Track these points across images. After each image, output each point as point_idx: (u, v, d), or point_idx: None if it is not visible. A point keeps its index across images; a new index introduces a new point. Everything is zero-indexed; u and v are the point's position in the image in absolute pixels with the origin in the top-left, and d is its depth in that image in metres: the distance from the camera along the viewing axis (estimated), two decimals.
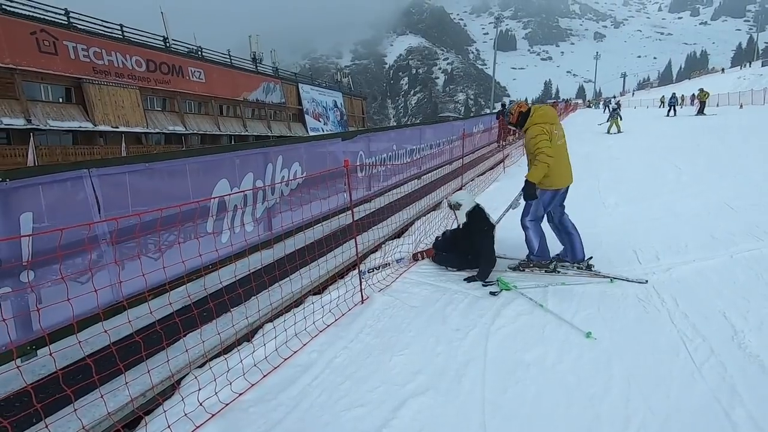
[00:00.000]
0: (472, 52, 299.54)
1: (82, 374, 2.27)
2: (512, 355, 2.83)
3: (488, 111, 36.58)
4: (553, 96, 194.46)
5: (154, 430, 2.18)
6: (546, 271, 4.16)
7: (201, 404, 2.33)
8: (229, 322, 2.98)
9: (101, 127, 23.21)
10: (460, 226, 4.32)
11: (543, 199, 4.08)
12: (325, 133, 35.37)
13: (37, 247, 2.60)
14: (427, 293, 3.83)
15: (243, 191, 4.09)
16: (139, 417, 2.29)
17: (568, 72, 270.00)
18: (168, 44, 28.51)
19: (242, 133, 32.56)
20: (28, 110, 20.27)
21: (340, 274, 4.22)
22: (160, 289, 2.59)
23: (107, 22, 24.89)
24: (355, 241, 3.73)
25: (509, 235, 4.74)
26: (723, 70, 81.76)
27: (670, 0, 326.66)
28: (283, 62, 45.59)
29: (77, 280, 2.72)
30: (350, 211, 3.74)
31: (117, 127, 23.90)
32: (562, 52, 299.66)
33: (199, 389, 2.37)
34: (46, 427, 1.93)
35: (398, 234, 5.52)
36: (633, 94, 79.52)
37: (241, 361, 2.67)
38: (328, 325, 3.26)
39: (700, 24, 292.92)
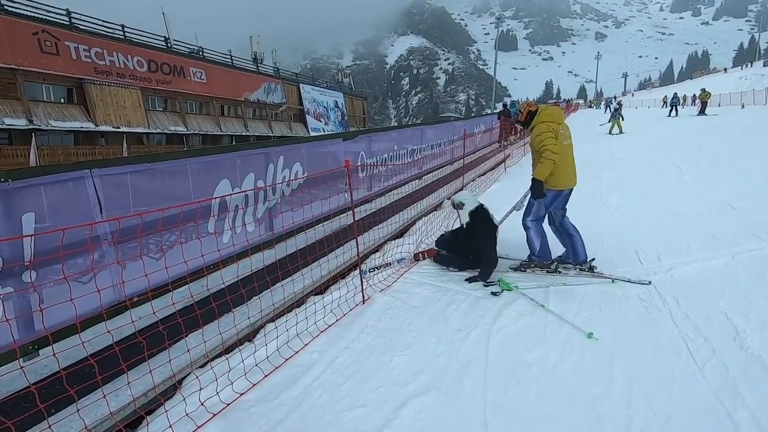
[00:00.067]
0: (473, 53, 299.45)
1: (85, 374, 2.27)
2: (514, 355, 2.83)
3: (489, 111, 36.56)
4: (554, 96, 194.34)
5: (156, 430, 2.18)
6: (547, 272, 4.15)
7: (202, 404, 2.33)
8: (231, 321, 2.98)
9: (103, 128, 23.27)
10: (463, 226, 4.32)
11: (545, 199, 4.07)
12: (326, 133, 35.37)
13: (39, 247, 2.61)
14: (429, 293, 3.83)
15: (244, 191, 4.10)
16: (141, 417, 2.30)
17: (569, 72, 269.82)
18: (169, 45, 28.56)
19: (243, 134, 32.60)
20: (30, 110, 20.33)
21: (342, 275, 4.23)
22: (162, 289, 2.59)
23: (109, 22, 24.97)
24: (356, 242, 3.74)
25: (511, 236, 4.74)
26: (725, 69, 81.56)
27: (671, 0, 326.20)
28: (284, 62, 45.62)
29: (79, 280, 2.72)
30: (351, 211, 3.74)
31: (118, 128, 23.96)
32: (564, 52, 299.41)
33: (201, 389, 2.38)
34: (49, 427, 1.94)
35: (399, 234, 5.52)
36: (633, 94, 79.03)
37: (242, 361, 2.67)
38: (330, 325, 3.26)
39: (701, 24, 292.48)
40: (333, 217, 5.12)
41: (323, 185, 4.98)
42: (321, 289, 3.93)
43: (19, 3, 20.73)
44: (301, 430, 2.25)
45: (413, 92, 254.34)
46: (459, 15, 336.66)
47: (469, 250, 4.27)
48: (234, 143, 25.97)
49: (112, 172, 3.04)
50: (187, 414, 2.25)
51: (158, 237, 3.13)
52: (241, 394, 2.49)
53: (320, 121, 41.88)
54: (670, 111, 25.18)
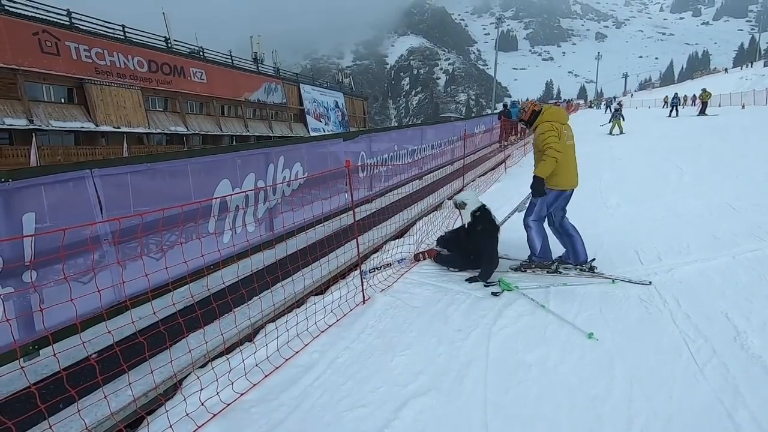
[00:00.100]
0: (474, 53, 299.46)
1: (85, 374, 2.28)
2: (514, 355, 2.83)
3: (489, 111, 36.57)
4: (555, 96, 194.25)
5: (156, 430, 2.18)
6: (548, 272, 4.15)
7: (203, 404, 2.33)
8: (232, 322, 2.98)
9: (103, 128, 23.28)
10: (465, 226, 4.31)
11: (547, 198, 4.07)
12: (327, 133, 35.38)
13: (40, 247, 2.61)
14: (429, 294, 3.83)
15: (245, 191, 4.10)
16: (142, 417, 2.30)
17: (569, 72, 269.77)
18: (170, 45, 28.58)
19: (244, 134, 32.61)
20: (31, 110, 20.35)
21: (342, 275, 4.22)
22: (162, 289, 2.59)
23: (109, 22, 25.00)
24: (357, 242, 3.73)
25: (511, 236, 4.74)
26: (726, 70, 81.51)
27: (671, 0, 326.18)
28: (284, 63, 45.64)
29: (80, 280, 2.72)
30: (352, 212, 3.74)
31: (119, 128, 23.97)
32: (564, 53, 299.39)
33: (201, 389, 2.37)
34: (50, 426, 1.94)
35: (400, 234, 5.52)
36: (632, 95, 78.59)
37: (242, 361, 2.67)
38: (330, 326, 3.26)
39: (701, 24, 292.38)
40: (333, 217, 5.12)
41: (324, 185, 4.98)
42: (321, 290, 3.93)
43: (19, 3, 20.75)
44: (301, 431, 2.25)
45: (413, 92, 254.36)
46: (459, 15, 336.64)
47: (470, 250, 4.27)
48: (234, 143, 25.97)
49: (112, 172, 3.04)
50: (187, 414, 2.25)
51: (158, 237, 3.13)
52: (242, 395, 2.49)
53: (320, 121, 41.89)
54: (671, 111, 25.16)
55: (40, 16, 21.28)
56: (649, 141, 14.40)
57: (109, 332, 2.17)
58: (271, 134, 34.73)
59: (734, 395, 2.33)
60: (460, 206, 4.35)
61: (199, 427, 2.23)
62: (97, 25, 24.11)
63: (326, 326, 3.24)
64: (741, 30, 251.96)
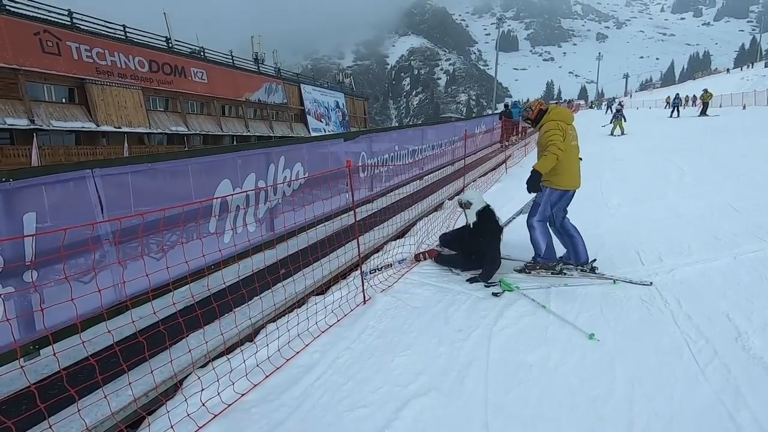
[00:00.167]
0: (474, 53, 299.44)
1: (85, 374, 2.27)
2: (515, 356, 2.83)
3: (490, 112, 36.59)
4: (555, 97, 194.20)
5: (157, 430, 2.18)
6: (552, 273, 4.12)
7: (203, 404, 2.33)
8: (232, 322, 2.98)
9: (104, 128, 23.31)
10: (470, 225, 4.30)
11: (551, 198, 4.06)
12: (328, 133, 35.40)
13: (41, 247, 2.61)
14: (430, 294, 3.83)
15: (245, 191, 4.10)
16: (142, 417, 2.30)
17: (570, 73, 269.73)
18: (170, 45, 28.61)
19: (244, 134, 32.63)
20: (32, 110, 20.37)
21: (343, 275, 4.22)
22: (163, 289, 2.59)
23: (110, 22, 25.03)
24: (357, 242, 3.73)
25: (512, 237, 4.74)
26: (728, 70, 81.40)
27: (672, 1, 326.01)
28: (285, 63, 45.68)
29: (80, 279, 2.72)
30: (352, 212, 3.74)
31: (120, 128, 24.00)
32: (564, 53, 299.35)
33: (202, 389, 2.37)
34: (50, 426, 1.93)
35: (400, 234, 5.51)
36: (631, 96, 78.06)
37: (243, 362, 2.67)
38: (331, 326, 3.25)
39: (702, 25, 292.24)
40: (334, 217, 5.12)
41: (324, 185, 4.98)
42: (322, 290, 3.93)
43: (20, 3, 20.78)
44: (302, 431, 2.25)
45: (414, 93, 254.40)
46: (460, 15, 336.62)
47: (472, 249, 4.26)
48: (235, 143, 25.99)
49: (113, 172, 3.04)
50: (188, 414, 2.25)
51: (159, 237, 3.13)
52: (243, 395, 2.49)
53: (321, 121, 41.91)
54: (672, 112, 25.12)
55: (42, 16, 21.32)
56: (650, 141, 14.39)
57: (109, 332, 2.17)
58: (271, 134, 34.76)
59: (735, 396, 2.33)
60: (465, 206, 4.34)
61: (200, 427, 2.23)
62: (98, 25, 24.14)
63: (327, 326, 3.23)
64: (742, 30, 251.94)
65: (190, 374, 2.59)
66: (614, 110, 18.99)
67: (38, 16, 21.19)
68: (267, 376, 2.65)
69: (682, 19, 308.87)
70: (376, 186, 6.93)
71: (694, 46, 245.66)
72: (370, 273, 4.18)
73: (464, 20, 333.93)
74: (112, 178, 3.04)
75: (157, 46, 27.53)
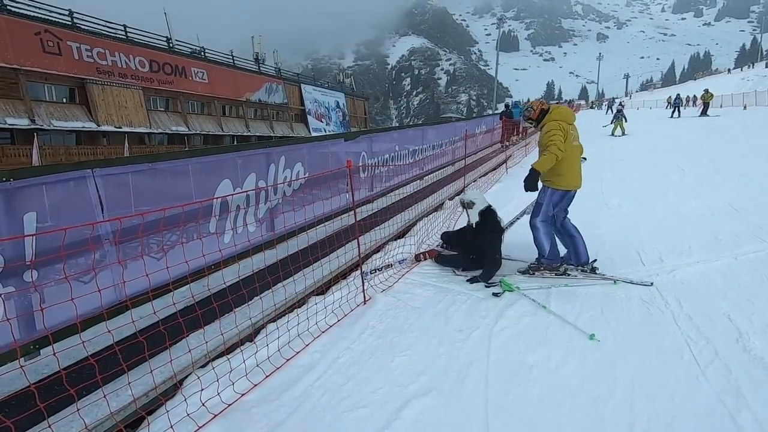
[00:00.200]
0: (475, 53, 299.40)
1: (85, 374, 2.27)
2: (515, 356, 2.82)
3: (491, 112, 36.59)
4: (556, 97, 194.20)
5: (157, 430, 2.18)
6: (556, 275, 4.08)
7: (203, 404, 2.33)
8: (232, 322, 2.98)
9: (104, 128, 23.32)
10: (473, 225, 4.30)
11: (553, 198, 4.04)
12: (328, 133, 35.41)
13: (41, 246, 2.61)
14: (430, 294, 3.82)
15: (246, 191, 4.09)
16: (142, 417, 2.29)
17: (570, 73, 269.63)
18: (171, 45, 28.61)
19: (245, 134, 32.64)
20: (32, 110, 20.38)
21: (343, 275, 4.22)
22: (163, 289, 2.59)
23: (111, 22, 25.04)
24: (358, 242, 3.73)
25: (513, 237, 4.74)
26: (729, 70, 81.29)
27: (673, 1, 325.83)
28: (285, 63, 45.66)
29: (80, 279, 2.72)
30: (353, 212, 3.74)
31: (120, 128, 24.00)
32: (565, 53, 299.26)
33: (202, 389, 2.37)
34: (49, 426, 1.93)
35: (401, 235, 5.51)
36: (630, 97, 77.50)
37: (243, 362, 2.67)
38: (331, 326, 3.25)
39: (703, 25, 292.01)
40: (334, 217, 5.12)
41: (324, 185, 4.98)
42: (322, 290, 3.93)
43: (21, 3, 20.80)
44: (302, 431, 2.25)
45: (414, 93, 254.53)
46: (460, 16, 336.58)
47: (474, 249, 4.26)
48: (235, 143, 25.99)
49: (113, 172, 3.04)
50: (188, 414, 2.24)
51: (159, 237, 3.12)
52: (243, 395, 2.49)
53: (322, 121, 41.91)
54: (673, 112, 25.10)
55: (42, 16, 21.33)
56: (651, 142, 14.38)
57: (109, 332, 2.17)
58: (272, 134, 34.76)
59: (736, 397, 2.33)
60: (468, 206, 4.33)
61: (200, 427, 2.23)
62: (98, 25, 24.15)
63: (327, 326, 3.23)
64: (743, 31, 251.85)
65: (190, 374, 2.59)
66: (615, 111, 18.96)
67: (39, 16, 21.19)
68: (267, 376, 2.65)
69: (683, 19, 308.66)
70: (376, 186, 6.93)
71: (694, 46, 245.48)
72: (371, 273, 4.18)
73: (465, 20, 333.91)
74: (113, 177, 3.04)
75: (157, 46, 27.54)
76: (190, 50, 30.46)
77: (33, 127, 20.01)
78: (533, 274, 4.15)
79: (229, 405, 2.40)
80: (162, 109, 27.69)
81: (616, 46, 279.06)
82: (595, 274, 4.03)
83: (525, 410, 2.33)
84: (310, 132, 38.49)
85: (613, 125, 18.08)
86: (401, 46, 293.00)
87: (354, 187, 3.79)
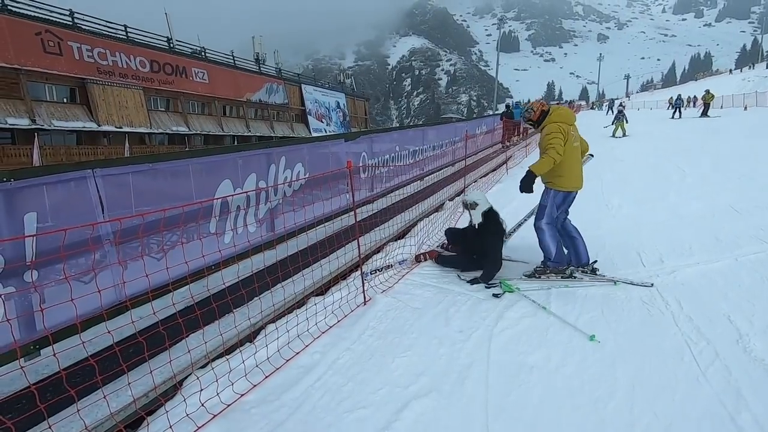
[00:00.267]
0: (475, 54, 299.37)
1: (85, 374, 2.27)
2: (515, 357, 2.82)
3: (491, 112, 36.58)
4: (556, 97, 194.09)
5: (156, 431, 2.18)
6: (562, 277, 4.01)
7: (203, 405, 2.33)
8: (232, 322, 2.98)
9: (105, 128, 23.33)
10: (475, 226, 4.29)
11: (555, 200, 4.01)
12: (328, 134, 35.40)
13: (41, 247, 2.61)
14: (430, 295, 3.82)
15: (246, 192, 4.10)
16: (142, 417, 2.29)
17: (571, 73, 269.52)
18: (172, 45, 28.63)
19: (245, 134, 32.65)
20: (33, 110, 20.40)
21: (343, 276, 4.22)
22: (163, 289, 2.59)
23: (111, 22, 25.06)
24: (358, 243, 3.73)
25: (513, 238, 4.73)
26: (730, 71, 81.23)
27: (674, 1, 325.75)
28: (286, 63, 45.71)
29: (81, 280, 2.72)
30: (353, 212, 3.74)
31: (121, 128, 24.02)
32: (566, 54, 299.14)
33: (201, 390, 2.37)
34: (49, 427, 1.93)
35: (401, 235, 5.51)
36: (629, 97, 77.05)
37: (243, 362, 2.67)
38: (331, 327, 3.25)
39: (704, 26, 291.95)
40: (334, 217, 5.12)
41: (325, 186, 4.98)
42: (322, 290, 3.92)
43: (22, 3, 20.82)
44: None
45: (415, 93, 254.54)
46: (461, 16, 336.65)
47: (475, 250, 4.26)
48: (236, 143, 26.01)
49: (114, 172, 3.04)
50: (187, 415, 2.24)
51: (159, 237, 3.13)
52: (242, 395, 2.49)
53: (322, 121, 41.92)
54: (674, 113, 25.08)
55: (43, 16, 21.36)
56: (652, 143, 14.37)
57: (109, 332, 2.17)
58: (272, 134, 34.77)
59: (737, 398, 2.32)
60: (470, 206, 4.32)
61: (200, 427, 2.23)
62: (99, 25, 24.17)
63: (327, 327, 3.23)
64: (743, 31, 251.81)
65: (189, 375, 2.59)
66: (616, 111, 18.95)
67: (40, 16, 21.22)
68: (267, 377, 2.65)
69: (684, 19, 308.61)
70: (376, 186, 6.93)
71: (695, 46, 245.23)
72: (371, 274, 4.17)
73: (465, 21, 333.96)
74: (113, 178, 3.04)
75: (158, 46, 27.56)
76: (190, 50, 30.48)
77: (34, 127, 20.03)
78: (539, 277, 4.07)
79: (229, 405, 2.40)
80: (162, 109, 27.71)
81: (616, 47, 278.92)
82: (596, 275, 4.03)
83: (525, 411, 2.33)
84: (310, 132, 38.49)
85: (614, 126, 18.06)
86: (402, 47, 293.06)
87: (354, 187, 3.79)
